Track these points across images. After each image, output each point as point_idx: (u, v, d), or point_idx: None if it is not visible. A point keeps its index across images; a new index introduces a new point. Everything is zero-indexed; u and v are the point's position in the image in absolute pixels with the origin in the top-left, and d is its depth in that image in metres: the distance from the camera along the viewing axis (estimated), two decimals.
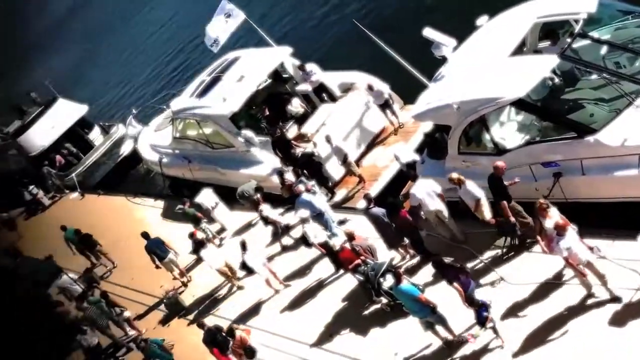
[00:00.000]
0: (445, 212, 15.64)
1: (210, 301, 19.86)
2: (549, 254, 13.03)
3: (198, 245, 19.78)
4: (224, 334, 16.00)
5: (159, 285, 21.81)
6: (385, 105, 21.36)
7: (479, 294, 12.85)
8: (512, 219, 14.08)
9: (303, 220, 17.67)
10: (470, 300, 12.65)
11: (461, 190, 14.93)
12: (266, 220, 19.94)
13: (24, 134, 35.93)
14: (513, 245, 14.63)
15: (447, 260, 13.62)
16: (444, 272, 13.18)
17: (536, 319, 12.79)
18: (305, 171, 20.41)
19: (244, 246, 18.03)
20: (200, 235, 20.27)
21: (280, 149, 21.79)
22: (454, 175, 14.93)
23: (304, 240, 17.66)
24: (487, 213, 14.87)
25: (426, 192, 15.59)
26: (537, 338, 12.43)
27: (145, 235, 21.57)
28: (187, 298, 20.48)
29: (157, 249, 21.12)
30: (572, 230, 12.06)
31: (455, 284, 12.74)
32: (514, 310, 13.26)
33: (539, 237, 13.26)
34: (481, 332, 12.76)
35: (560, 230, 11.93)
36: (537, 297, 13.20)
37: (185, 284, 21.41)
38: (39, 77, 44.51)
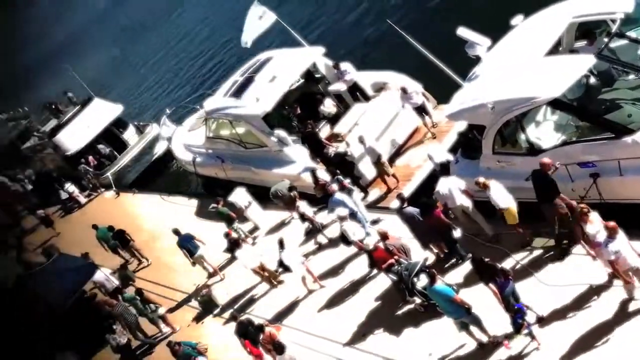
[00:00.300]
0: (471, 207, 15.77)
1: (244, 299, 19.94)
2: (595, 259, 12.97)
3: (233, 245, 19.82)
4: (255, 327, 16.19)
5: (192, 283, 22.08)
6: (420, 108, 21.16)
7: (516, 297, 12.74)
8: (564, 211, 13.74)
9: (341, 218, 17.67)
10: (506, 303, 12.56)
11: (490, 194, 14.96)
12: (303, 217, 19.97)
13: (60, 133, 36.52)
14: (562, 245, 14.38)
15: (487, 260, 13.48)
16: (482, 271, 13.08)
17: (574, 321, 12.69)
18: (338, 170, 20.44)
19: (281, 244, 18.12)
20: (235, 234, 20.40)
21: (310, 144, 21.94)
22: (481, 179, 15.04)
23: (342, 238, 17.60)
24: (513, 218, 14.85)
25: (450, 187, 15.83)
26: (575, 342, 12.31)
27: (176, 231, 22.06)
28: (222, 296, 20.59)
29: (188, 244, 21.64)
30: (622, 234, 11.90)
31: (491, 285, 12.67)
32: (550, 312, 13.14)
33: (582, 242, 13.14)
34: (516, 337, 12.68)
35: (611, 232, 11.78)
36: (575, 300, 13.07)
37: (220, 278, 21.71)
38: (75, 76, 45.10)
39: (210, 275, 21.91)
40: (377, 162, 20.00)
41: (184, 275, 22.81)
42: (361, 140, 20.05)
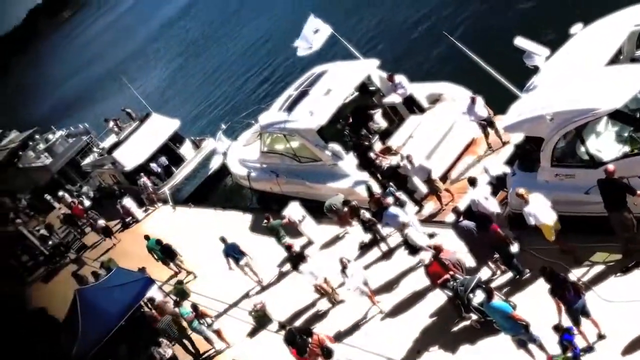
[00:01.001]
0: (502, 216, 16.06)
1: (298, 314, 19.82)
2: None
3: (297, 259, 19.28)
4: (303, 337, 16.06)
5: (246, 297, 22.14)
6: (486, 120, 20.56)
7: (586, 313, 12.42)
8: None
9: (404, 225, 17.48)
10: (573, 319, 12.26)
11: (525, 208, 14.82)
12: (366, 225, 19.70)
13: (119, 149, 37.24)
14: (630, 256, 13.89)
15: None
16: (552, 284, 12.65)
17: (632, 339, 12.21)
18: (391, 183, 20.26)
19: (344, 267, 17.35)
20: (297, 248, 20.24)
21: (358, 154, 21.93)
22: (521, 190, 14.93)
23: (408, 246, 17.27)
24: (549, 234, 14.68)
25: (483, 195, 16.13)
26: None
27: (222, 239, 22.47)
28: (276, 311, 20.53)
29: (233, 253, 22.04)
30: None
31: (557, 299, 12.32)
32: (612, 330, 12.68)
33: None
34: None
35: None
36: (634, 317, 12.58)
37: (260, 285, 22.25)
38: (132, 90, 46.19)
39: (257, 283, 22.28)
40: (428, 179, 19.73)
41: (237, 290, 22.86)
42: (409, 160, 19.81)
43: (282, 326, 17.35)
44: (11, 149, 59.66)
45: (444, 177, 20.65)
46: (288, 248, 20.20)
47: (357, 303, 17.93)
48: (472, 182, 17.10)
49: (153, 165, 36.19)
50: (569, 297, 12.32)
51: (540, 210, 14.63)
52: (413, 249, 17.04)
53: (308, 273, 18.80)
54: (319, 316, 19.22)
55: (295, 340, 16.10)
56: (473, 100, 20.37)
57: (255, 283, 22.52)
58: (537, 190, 15.17)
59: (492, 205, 16.39)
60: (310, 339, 15.84)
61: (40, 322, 27.88)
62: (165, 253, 26.11)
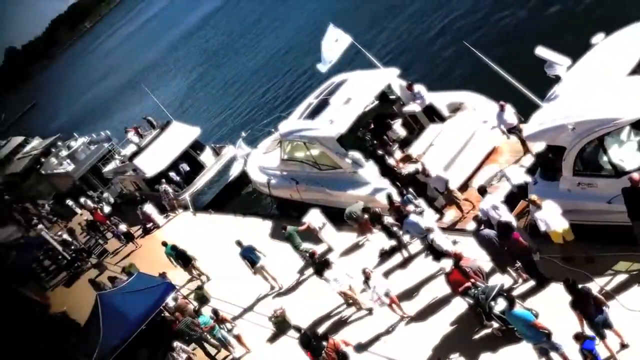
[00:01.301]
0: (514, 223, 15.86)
1: (318, 320, 19.86)
2: None
3: (322, 266, 19.16)
4: (318, 340, 16.18)
5: (266, 303, 22.22)
6: (514, 129, 20.48)
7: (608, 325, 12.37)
8: None
9: (428, 230, 17.55)
10: (596, 331, 12.23)
11: (536, 214, 15.05)
12: (389, 231, 19.71)
13: (140, 157, 37.56)
14: None
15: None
16: (575, 296, 12.59)
17: None
18: (410, 189, 20.31)
19: (367, 278, 17.28)
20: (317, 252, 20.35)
21: (377, 161, 22.14)
22: (533, 196, 15.25)
23: (432, 251, 17.23)
24: (557, 237, 14.89)
25: (492, 205, 16.30)
26: None
27: (239, 242, 22.88)
28: (296, 317, 20.59)
29: (250, 255, 22.41)
30: None
31: (577, 311, 12.32)
32: (630, 338, 12.67)
33: None
34: None
35: None
36: None
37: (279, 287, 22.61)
38: (154, 100, 46.60)
39: (272, 288, 22.58)
40: (446, 189, 19.77)
41: (256, 295, 23.01)
42: (426, 173, 19.86)
43: (297, 329, 17.50)
44: (34, 155, 60.44)
45: (465, 186, 20.65)
46: (311, 255, 20.26)
47: (377, 310, 17.98)
48: (482, 191, 17.18)
49: (172, 174, 36.39)
50: (591, 311, 12.29)
51: (551, 217, 14.84)
52: (437, 254, 17.01)
53: (333, 280, 18.78)
54: (338, 322, 19.26)
55: (310, 343, 16.23)
56: (502, 107, 20.27)
57: (272, 286, 22.81)
58: (559, 199, 15.19)
59: (503, 215, 16.34)
60: (325, 343, 15.94)
61: (62, 326, 28.11)
62: (180, 258, 26.63)
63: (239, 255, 22.84)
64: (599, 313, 12.33)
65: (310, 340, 16.28)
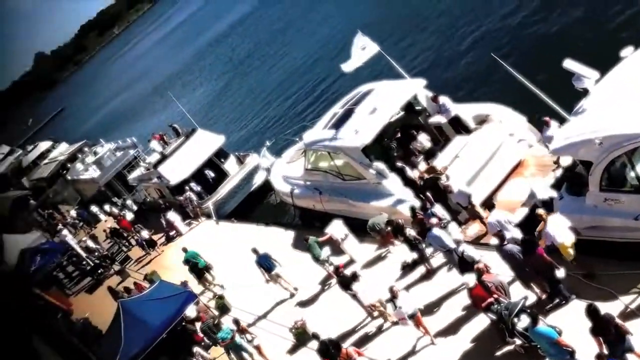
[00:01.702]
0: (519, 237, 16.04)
1: (339, 332, 19.71)
2: None
3: (351, 280, 18.78)
4: (337, 349, 16.10)
5: (285, 312, 22.16)
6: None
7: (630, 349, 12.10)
8: None
9: (457, 242, 17.39)
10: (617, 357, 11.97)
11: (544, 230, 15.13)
12: (411, 243, 19.53)
13: (164, 164, 37.75)
14: None
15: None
16: (595, 323, 12.33)
17: None
18: (428, 194, 20.15)
19: (394, 296, 16.87)
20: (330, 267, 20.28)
21: (396, 171, 22.13)
22: (540, 211, 15.43)
23: (462, 263, 16.85)
24: (567, 254, 14.96)
25: (502, 220, 16.48)
26: None
27: (254, 250, 23.19)
28: (316, 328, 20.44)
29: (265, 262, 22.82)
30: None
31: (599, 339, 12.10)
32: None
33: None
34: None
35: None
36: None
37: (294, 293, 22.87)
38: (179, 108, 46.92)
39: (292, 296, 22.81)
40: (469, 204, 19.57)
41: (277, 306, 22.98)
42: (449, 189, 19.69)
43: (315, 337, 17.48)
44: (60, 161, 61.02)
45: (490, 198, 20.44)
46: (336, 269, 20.09)
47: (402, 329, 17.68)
48: (489, 206, 17.08)
49: (192, 184, 36.48)
50: (611, 338, 12.06)
51: (559, 231, 14.84)
52: (466, 267, 16.52)
53: (362, 292, 18.57)
54: (359, 334, 19.11)
55: (329, 351, 16.16)
56: (547, 123, 19.67)
57: (291, 294, 22.92)
58: (585, 215, 14.98)
59: (511, 230, 16.46)
60: (338, 352, 15.87)
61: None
62: (194, 271, 27.07)
63: (254, 262, 23.05)
64: (621, 342, 12.03)
65: (329, 348, 16.22)
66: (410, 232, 19.50)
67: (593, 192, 15.38)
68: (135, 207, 42.87)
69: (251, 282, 24.45)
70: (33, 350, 25.06)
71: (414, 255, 19.71)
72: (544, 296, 15.63)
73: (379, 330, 18.74)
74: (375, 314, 18.93)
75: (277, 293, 23.20)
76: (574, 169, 16.75)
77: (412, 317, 16.66)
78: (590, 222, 15.33)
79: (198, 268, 26.95)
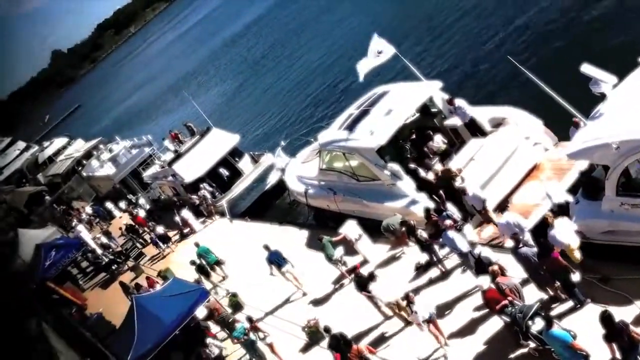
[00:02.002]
0: (531, 242, 16.09)
1: (351, 331, 19.71)
2: None
3: (367, 280, 18.67)
4: (347, 344, 16.23)
5: (298, 311, 22.22)
6: None
7: None
8: None
9: (472, 245, 17.36)
10: None
11: (550, 232, 15.21)
12: (423, 245, 19.54)
13: (179, 162, 37.93)
14: None
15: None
16: (609, 330, 12.32)
17: None
18: (440, 192, 20.14)
19: (410, 302, 16.75)
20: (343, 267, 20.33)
21: (409, 173, 22.22)
22: (547, 213, 15.62)
23: (478, 265, 16.76)
24: (574, 257, 15.11)
25: (512, 223, 16.67)
26: None
27: (266, 247, 23.56)
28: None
29: (276, 259, 23.11)
30: None
31: (612, 345, 12.11)
32: None
33: None
34: None
35: None
36: None
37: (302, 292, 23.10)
38: (195, 106, 47.06)
39: (304, 295, 22.90)
40: (483, 209, 19.56)
41: (289, 304, 23.06)
42: (463, 192, 19.71)
43: (327, 330, 17.60)
44: (76, 157, 61.39)
45: (505, 202, 20.42)
46: (353, 269, 20.03)
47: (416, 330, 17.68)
48: (502, 208, 17.10)
49: (204, 184, 36.61)
50: (624, 345, 12.05)
51: (564, 233, 14.97)
52: (483, 267, 16.41)
53: (379, 292, 18.55)
54: (371, 332, 19.13)
55: (340, 345, 16.27)
56: (576, 125, 18.94)
57: (297, 291, 23.16)
58: (601, 220, 14.95)
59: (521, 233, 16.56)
60: (349, 348, 15.95)
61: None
62: (201, 272, 27.40)
63: (265, 259, 23.26)
64: (634, 349, 12.00)
65: (340, 342, 16.33)
66: (422, 233, 19.51)
67: (609, 196, 15.36)
68: (148, 206, 43.08)
69: (264, 280, 24.52)
70: (48, 345, 25.29)
71: (425, 256, 19.75)
72: (559, 299, 15.59)
73: (393, 331, 18.72)
74: (390, 313, 18.90)
75: (289, 292, 23.30)
76: (591, 173, 16.72)
77: (429, 321, 16.52)
78: (606, 227, 15.30)
79: (205, 268, 27.18)
